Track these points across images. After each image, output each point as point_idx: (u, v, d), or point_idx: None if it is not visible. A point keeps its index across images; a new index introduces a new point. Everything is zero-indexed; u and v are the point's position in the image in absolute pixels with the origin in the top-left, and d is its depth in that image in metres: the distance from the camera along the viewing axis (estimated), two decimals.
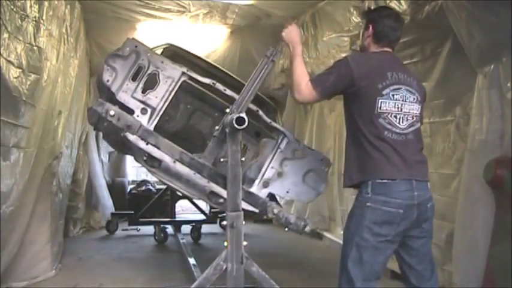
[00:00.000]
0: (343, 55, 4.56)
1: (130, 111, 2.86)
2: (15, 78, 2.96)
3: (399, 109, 2.25)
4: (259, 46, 6.26)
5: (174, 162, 2.86)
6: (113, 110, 2.77)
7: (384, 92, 2.23)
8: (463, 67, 3.28)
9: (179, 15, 5.36)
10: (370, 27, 2.41)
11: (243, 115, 2.34)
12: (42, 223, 3.98)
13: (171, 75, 2.98)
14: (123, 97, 2.87)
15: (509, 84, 2.88)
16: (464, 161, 3.27)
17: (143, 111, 2.89)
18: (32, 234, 3.80)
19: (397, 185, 2.17)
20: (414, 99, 2.31)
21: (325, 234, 5.90)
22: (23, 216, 3.56)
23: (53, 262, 4.15)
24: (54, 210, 4.32)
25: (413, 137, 2.29)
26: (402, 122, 2.25)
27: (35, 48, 3.26)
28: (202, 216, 6.30)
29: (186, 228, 6.05)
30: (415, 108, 2.31)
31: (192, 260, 4.36)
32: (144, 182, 8.09)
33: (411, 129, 2.28)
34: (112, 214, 6.58)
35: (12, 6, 2.87)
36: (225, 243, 2.44)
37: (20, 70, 3.02)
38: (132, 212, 6.36)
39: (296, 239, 6.23)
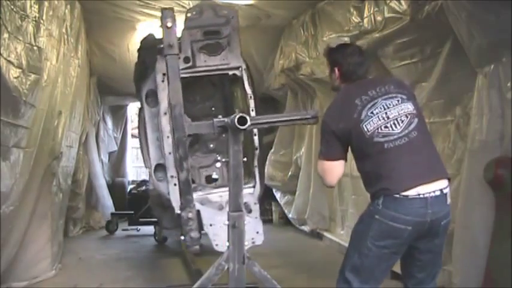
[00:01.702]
0: None
1: None
2: (15, 78, 2.96)
3: (385, 118, 2.21)
4: (259, 46, 6.28)
5: None
6: None
7: (362, 117, 2.22)
8: (463, 67, 3.28)
9: (179, 15, 5.33)
10: (336, 70, 2.43)
11: (245, 115, 2.34)
12: (42, 223, 3.99)
13: None
14: None
15: (509, 84, 2.88)
16: (464, 161, 3.27)
17: None
18: (32, 234, 3.80)
19: (409, 202, 2.11)
20: (398, 100, 2.27)
21: (325, 234, 5.90)
22: (23, 216, 3.56)
23: (53, 262, 4.15)
24: (54, 210, 4.32)
25: (417, 132, 2.23)
26: (396, 126, 2.21)
27: (35, 48, 3.26)
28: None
29: None
30: (404, 108, 2.26)
31: (192, 261, 4.36)
32: (144, 182, 8.08)
33: (411, 127, 2.23)
34: (112, 214, 6.59)
35: (12, 6, 2.87)
36: (227, 244, 2.44)
37: (20, 70, 3.02)
38: (132, 212, 6.37)
39: (296, 239, 6.24)
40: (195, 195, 2.95)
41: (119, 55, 6.13)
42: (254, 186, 3.06)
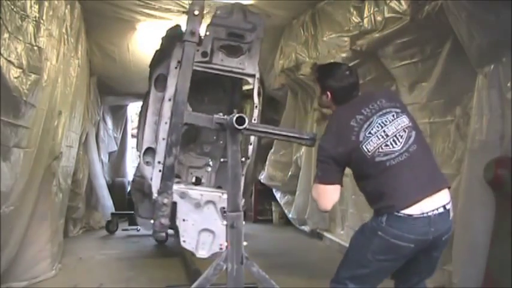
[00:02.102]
0: (343, 55, 4.57)
1: None
2: (16, 78, 2.95)
3: (385, 136, 2.19)
4: None
5: None
6: None
7: (361, 138, 2.19)
8: (463, 67, 3.28)
9: (179, 15, 5.35)
10: (329, 94, 2.37)
11: (244, 115, 2.34)
12: (42, 223, 3.98)
13: None
14: None
15: (509, 84, 2.88)
16: (464, 161, 3.27)
17: None
18: (32, 234, 3.80)
19: (413, 221, 2.09)
20: (393, 115, 2.25)
21: (325, 234, 5.90)
22: (23, 216, 3.56)
23: (53, 262, 4.15)
24: (54, 210, 4.32)
25: (417, 145, 2.22)
26: (396, 143, 2.19)
27: (35, 48, 3.26)
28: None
29: None
30: (400, 122, 2.24)
31: (192, 260, 4.36)
32: None
33: (410, 141, 2.21)
34: (112, 214, 6.58)
35: (12, 6, 2.86)
36: (225, 244, 2.44)
37: (21, 70, 3.02)
38: (132, 212, 6.36)
39: (296, 239, 6.24)
40: (177, 186, 2.94)
41: (118, 55, 6.13)
42: None
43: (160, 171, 2.88)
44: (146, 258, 5.16)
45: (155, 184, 2.89)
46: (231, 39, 3.16)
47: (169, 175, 2.74)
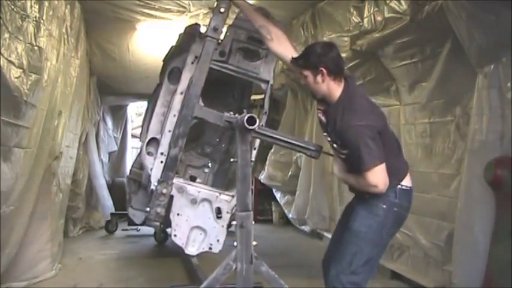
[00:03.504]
0: (343, 55, 4.56)
1: None
2: (16, 78, 2.95)
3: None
4: None
5: None
6: None
7: (383, 113, 2.46)
8: (463, 67, 3.28)
9: (179, 15, 5.36)
10: (323, 69, 2.31)
11: (254, 115, 2.34)
12: (42, 223, 3.99)
13: None
14: None
15: (509, 84, 2.88)
16: (464, 161, 3.27)
17: None
18: (32, 234, 3.80)
19: (411, 192, 2.40)
20: None
21: (325, 234, 5.90)
22: (23, 216, 3.56)
23: (53, 262, 4.15)
24: (54, 210, 4.32)
25: None
26: None
27: (36, 48, 3.26)
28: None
29: None
30: None
31: (194, 260, 4.35)
32: None
33: None
34: (111, 214, 6.58)
35: (12, 6, 2.86)
36: (235, 243, 2.44)
37: (21, 70, 3.02)
38: None
39: (296, 239, 6.24)
40: (176, 180, 2.94)
41: (118, 55, 6.13)
42: (233, 196, 3.02)
43: (162, 162, 2.88)
44: (146, 258, 5.16)
45: (155, 174, 2.87)
46: (250, 43, 3.18)
47: (172, 166, 2.75)
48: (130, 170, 3.58)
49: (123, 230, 6.38)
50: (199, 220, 2.94)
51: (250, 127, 2.33)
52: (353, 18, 4.30)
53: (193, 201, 2.93)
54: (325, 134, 2.46)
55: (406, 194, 2.36)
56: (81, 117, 5.47)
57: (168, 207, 2.90)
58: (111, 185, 7.61)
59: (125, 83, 6.93)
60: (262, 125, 3.18)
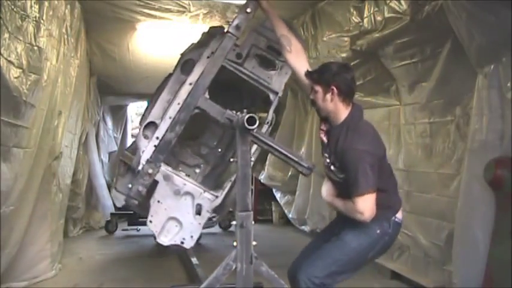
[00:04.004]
0: (343, 55, 4.57)
1: None
2: (16, 78, 2.95)
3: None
4: None
5: None
6: None
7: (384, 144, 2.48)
8: (463, 67, 3.28)
9: (179, 15, 5.35)
10: (334, 88, 2.34)
11: (254, 115, 2.33)
12: (42, 223, 3.99)
13: None
14: None
15: (509, 84, 2.88)
16: (464, 161, 3.27)
17: None
18: (32, 234, 3.80)
19: (401, 225, 2.49)
20: None
21: None
22: (23, 216, 3.56)
23: (53, 262, 4.15)
24: (54, 210, 4.32)
25: None
26: None
27: (35, 48, 3.26)
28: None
29: None
30: None
31: (194, 260, 4.36)
32: None
33: None
34: (111, 214, 6.57)
35: (12, 6, 2.86)
36: (234, 243, 2.44)
37: (21, 70, 3.02)
38: (132, 212, 6.36)
39: (296, 239, 6.24)
40: (165, 167, 2.91)
41: (118, 55, 6.13)
42: (217, 197, 3.01)
43: (155, 146, 2.86)
44: (146, 258, 5.16)
45: (145, 156, 2.84)
46: (268, 52, 3.17)
47: (164, 149, 2.72)
48: (123, 153, 3.55)
49: (123, 230, 6.38)
50: (178, 212, 2.90)
51: (250, 127, 2.33)
52: (353, 18, 4.30)
53: (177, 192, 2.90)
54: (324, 154, 2.48)
55: (398, 227, 2.45)
56: (81, 117, 5.47)
57: (150, 193, 2.87)
58: (111, 185, 7.59)
59: (125, 83, 6.92)
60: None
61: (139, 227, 6.29)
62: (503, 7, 2.71)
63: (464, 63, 3.21)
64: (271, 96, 3.16)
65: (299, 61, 2.63)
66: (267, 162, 6.89)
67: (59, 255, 4.40)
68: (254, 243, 2.46)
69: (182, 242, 2.87)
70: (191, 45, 3.37)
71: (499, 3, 2.73)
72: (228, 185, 3.05)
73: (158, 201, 2.86)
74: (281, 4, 5.21)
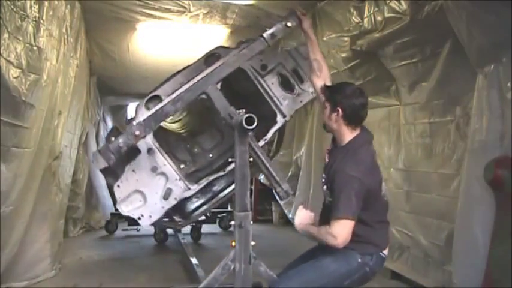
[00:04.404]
0: (343, 55, 4.57)
1: None
2: (15, 78, 2.95)
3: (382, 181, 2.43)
4: None
5: None
6: None
7: (381, 176, 2.41)
8: (463, 67, 3.28)
9: (179, 15, 5.35)
10: (340, 110, 2.34)
11: (253, 115, 2.32)
12: (42, 223, 3.98)
13: None
14: None
15: (509, 84, 2.88)
16: (464, 161, 3.27)
17: None
18: (32, 234, 3.80)
19: (384, 261, 2.45)
20: None
21: None
22: (23, 217, 3.56)
23: (53, 262, 4.15)
24: (54, 210, 4.32)
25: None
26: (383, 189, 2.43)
27: (35, 48, 3.26)
28: (202, 216, 6.28)
29: (186, 228, 6.04)
30: None
31: (194, 260, 4.36)
32: None
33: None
34: (111, 214, 6.57)
35: (12, 6, 2.87)
36: (233, 243, 2.44)
37: (20, 70, 3.02)
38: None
39: (296, 239, 6.23)
40: (153, 140, 2.85)
41: (118, 55, 6.13)
42: (189, 189, 2.96)
43: (152, 113, 2.73)
44: (146, 258, 5.16)
45: (139, 119, 2.75)
46: (292, 75, 3.13)
47: (159, 118, 2.65)
48: (122, 124, 3.49)
49: (123, 230, 6.38)
50: (148, 189, 2.84)
51: (249, 127, 2.33)
52: (353, 18, 4.30)
53: (154, 169, 2.85)
54: (323, 174, 2.47)
55: (381, 261, 2.41)
56: (80, 117, 5.47)
57: (127, 160, 2.81)
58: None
59: (125, 83, 6.93)
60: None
61: (139, 227, 6.29)
62: (503, 7, 2.70)
63: (464, 63, 3.21)
64: (279, 117, 3.10)
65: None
66: None
67: (59, 255, 4.40)
68: (253, 243, 2.46)
69: (139, 218, 2.80)
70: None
71: (499, 3, 2.72)
72: (204, 183, 2.99)
73: (133, 170, 2.80)
74: (281, 4, 5.22)
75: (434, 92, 3.71)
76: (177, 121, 3.97)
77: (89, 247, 5.50)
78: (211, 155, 3.69)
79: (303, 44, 3.16)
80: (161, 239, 5.83)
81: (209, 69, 2.81)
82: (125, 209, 2.81)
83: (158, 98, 2.92)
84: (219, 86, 2.79)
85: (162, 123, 3.20)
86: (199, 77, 2.77)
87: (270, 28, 2.87)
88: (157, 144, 2.91)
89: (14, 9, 2.91)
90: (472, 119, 3.15)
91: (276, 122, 3.08)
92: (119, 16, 5.36)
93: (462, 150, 3.41)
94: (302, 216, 2.43)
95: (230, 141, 3.34)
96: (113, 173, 2.92)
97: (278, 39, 3.03)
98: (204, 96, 2.75)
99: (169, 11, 5.26)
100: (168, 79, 3.08)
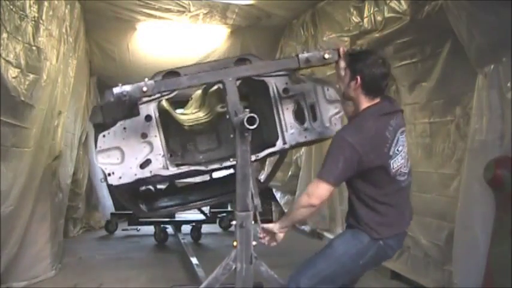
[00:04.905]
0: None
1: None
2: (14, 78, 2.95)
3: (404, 158, 2.26)
4: (259, 46, 6.26)
5: None
6: None
7: (391, 152, 2.20)
8: (463, 67, 3.28)
9: (179, 15, 5.36)
10: (359, 79, 2.24)
11: (255, 115, 2.29)
12: (42, 223, 3.98)
13: None
14: None
15: (509, 84, 2.87)
16: (464, 161, 3.27)
17: None
18: (32, 234, 3.80)
19: (402, 235, 2.37)
20: (405, 137, 2.32)
21: (325, 234, 5.89)
22: (23, 216, 3.56)
23: (53, 262, 4.15)
24: (54, 210, 4.32)
25: (410, 177, 2.36)
26: (406, 167, 2.28)
27: (34, 48, 3.26)
28: (202, 216, 6.30)
29: (186, 228, 6.05)
30: (406, 146, 2.32)
31: (194, 260, 4.36)
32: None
33: (409, 170, 2.33)
34: (111, 214, 6.57)
35: (11, 6, 2.87)
36: (234, 243, 2.44)
37: (19, 70, 3.02)
38: (132, 212, 6.36)
39: (296, 239, 6.23)
40: (154, 109, 2.82)
41: (118, 55, 6.13)
42: (168, 169, 2.88)
43: (155, 81, 2.73)
44: (146, 257, 5.16)
45: (151, 79, 2.73)
46: (308, 110, 3.05)
47: (170, 85, 2.64)
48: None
49: (123, 230, 6.38)
50: (130, 151, 2.78)
51: (250, 127, 2.31)
52: (353, 18, 4.30)
53: (143, 136, 2.79)
54: None
55: (394, 239, 2.30)
56: (79, 117, 5.47)
57: (124, 115, 2.80)
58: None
59: (125, 83, 6.92)
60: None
61: (139, 227, 6.30)
62: (503, 7, 2.70)
63: (464, 63, 3.21)
64: (279, 142, 3.02)
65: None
66: (267, 162, 6.88)
67: (59, 255, 4.40)
68: (254, 243, 2.46)
69: (109, 174, 2.74)
70: None
71: (499, 3, 2.72)
72: (184, 169, 2.92)
73: (124, 128, 2.76)
74: (281, 4, 5.23)
75: (434, 92, 3.71)
76: (185, 114, 3.96)
77: (89, 247, 5.50)
78: (201, 157, 3.65)
79: (331, 83, 3.10)
80: (161, 239, 5.83)
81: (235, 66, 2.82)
82: (100, 160, 2.75)
83: (177, 75, 2.87)
84: (237, 83, 2.76)
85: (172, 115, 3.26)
86: (223, 67, 2.78)
87: (308, 51, 2.82)
88: (157, 115, 2.87)
89: (13, 9, 2.91)
90: (472, 119, 3.14)
91: (274, 145, 3.02)
92: (119, 16, 5.37)
93: (462, 150, 3.41)
94: (271, 229, 2.41)
95: (223, 153, 3.29)
96: (104, 130, 2.87)
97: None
98: (220, 85, 2.72)
99: (169, 11, 5.26)
100: (191, 65, 3.06)
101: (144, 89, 2.55)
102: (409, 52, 3.85)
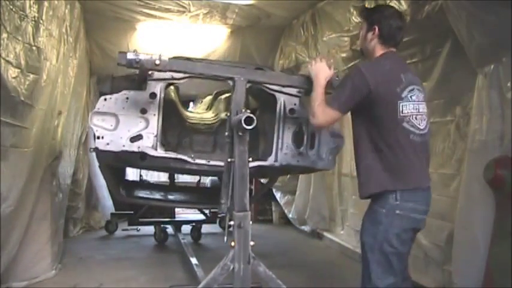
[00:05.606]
0: (343, 55, 4.57)
1: None
2: (14, 78, 2.95)
3: (417, 110, 2.25)
4: (259, 46, 6.27)
5: None
6: None
7: (403, 95, 2.21)
8: (463, 67, 3.28)
9: (179, 15, 5.36)
10: (376, 29, 2.33)
11: (252, 115, 2.29)
12: (42, 223, 3.98)
13: None
14: None
15: (509, 84, 2.88)
16: (464, 161, 3.27)
17: None
18: (32, 234, 3.79)
19: (422, 192, 2.25)
20: (423, 97, 2.33)
21: (325, 234, 5.90)
22: (23, 216, 3.56)
23: (53, 262, 4.15)
24: (54, 210, 4.31)
25: (429, 136, 2.33)
26: (421, 122, 2.25)
27: (34, 48, 3.26)
28: (202, 216, 6.30)
29: (186, 228, 6.05)
30: (426, 107, 2.33)
31: (194, 260, 4.36)
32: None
33: (427, 128, 2.29)
34: (111, 214, 6.57)
35: (11, 6, 2.87)
36: (232, 244, 2.44)
37: (19, 70, 3.02)
38: (132, 212, 6.36)
39: (296, 239, 6.24)
40: (161, 89, 2.80)
41: None
42: (155, 149, 2.84)
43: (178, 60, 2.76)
44: (146, 258, 5.16)
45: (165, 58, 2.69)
46: (308, 137, 3.03)
47: (181, 66, 2.66)
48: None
49: (123, 230, 6.37)
50: (125, 121, 2.75)
51: (247, 127, 2.31)
52: (353, 18, 4.30)
53: (143, 111, 2.77)
54: None
55: (411, 194, 2.19)
56: (79, 117, 5.47)
57: (133, 86, 2.81)
58: None
59: None
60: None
61: (139, 227, 6.29)
62: (503, 7, 2.70)
63: (464, 63, 3.21)
64: (271, 158, 2.99)
65: None
66: None
67: (59, 255, 4.40)
68: (252, 243, 2.46)
69: (99, 137, 2.72)
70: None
71: (499, 3, 2.72)
72: (171, 155, 2.89)
73: (126, 98, 2.74)
74: (281, 4, 5.23)
75: (434, 92, 3.71)
76: (192, 112, 3.97)
77: (89, 247, 5.50)
78: (192, 156, 3.66)
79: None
80: (161, 239, 5.83)
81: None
82: (94, 121, 2.72)
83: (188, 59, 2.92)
84: (247, 85, 2.75)
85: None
86: (238, 66, 2.82)
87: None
88: (162, 95, 2.85)
89: (13, 9, 2.91)
90: (472, 119, 3.15)
91: (265, 160, 2.99)
92: (119, 16, 5.36)
93: (462, 150, 3.41)
94: (319, 67, 2.46)
95: (214, 159, 3.27)
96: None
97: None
98: (230, 82, 2.72)
99: (169, 11, 5.26)
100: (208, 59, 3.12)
101: (157, 61, 2.54)
102: (409, 52, 3.85)
